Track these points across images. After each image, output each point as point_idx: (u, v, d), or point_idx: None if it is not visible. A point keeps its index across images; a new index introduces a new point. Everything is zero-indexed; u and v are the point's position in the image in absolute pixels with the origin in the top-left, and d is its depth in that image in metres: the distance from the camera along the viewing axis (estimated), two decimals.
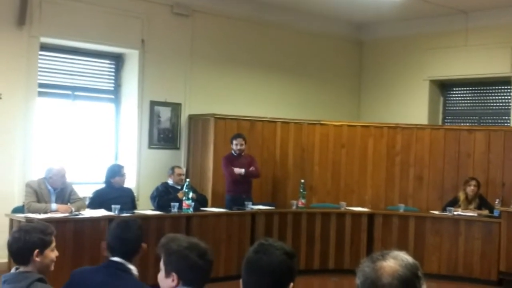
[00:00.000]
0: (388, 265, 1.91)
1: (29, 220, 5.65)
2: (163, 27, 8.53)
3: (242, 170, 7.76)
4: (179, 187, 7.40)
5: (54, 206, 6.38)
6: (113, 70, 8.52)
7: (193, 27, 8.80)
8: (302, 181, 8.11)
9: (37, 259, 3.07)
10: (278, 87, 9.71)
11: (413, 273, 1.91)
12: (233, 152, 7.88)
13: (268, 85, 9.60)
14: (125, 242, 3.35)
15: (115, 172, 7.18)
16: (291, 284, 2.28)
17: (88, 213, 6.54)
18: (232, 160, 7.85)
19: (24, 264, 3.08)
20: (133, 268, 3.32)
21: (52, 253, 3.17)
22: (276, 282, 2.26)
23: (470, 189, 8.12)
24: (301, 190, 8.05)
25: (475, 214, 7.94)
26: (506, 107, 9.23)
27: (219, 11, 9.02)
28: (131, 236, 3.38)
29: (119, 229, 3.41)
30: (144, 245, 3.40)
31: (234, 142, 7.84)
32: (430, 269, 7.84)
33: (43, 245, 3.13)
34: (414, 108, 9.93)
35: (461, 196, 8.19)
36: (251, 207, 7.67)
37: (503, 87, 9.36)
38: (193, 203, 7.12)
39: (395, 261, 1.92)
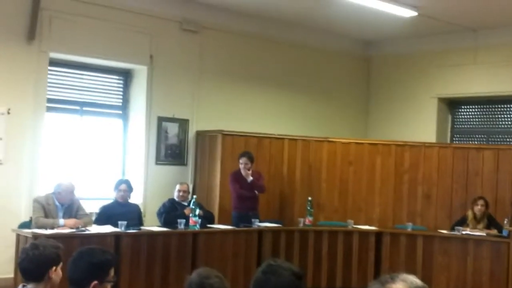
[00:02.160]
0: (396, 287, 1.88)
1: (35, 236, 5.65)
2: (172, 43, 8.56)
3: (250, 178, 7.73)
4: (186, 204, 7.38)
5: (61, 221, 6.38)
6: (121, 85, 8.54)
7: (201, 43, 8.83)
8: (309, 198, 8.08)
9: (53, 276, 3.01)
10: (286, 104, 9.71)
11: None
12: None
13: (276, 101, 9.60)
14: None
15: (115, 187, 7.20)
16: None
17: (94, 229, 6.52)
18: (239, 176, 7.83)
19: (37, 280, 3.02)
20: None
21: (60, 271, 3.14)
22: None
23: (478, 208, 8.07)
24: (308, 208, 8.01)
25: (484, 234, 7.88)
26: None
27: (228, 28, 9.05)
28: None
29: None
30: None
31: (240, 161, 7.82)
32: None
33: (58, 261, 3.08)
34: (422, 126, 9.91)
35: (470, 215, 8.14)
36: (258, 224, 7.64)
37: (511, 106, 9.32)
38: (200, 220, 7.10)
39: (404, 283, 1.93)
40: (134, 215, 7.18)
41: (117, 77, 8.52)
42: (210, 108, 8.86)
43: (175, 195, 7.55)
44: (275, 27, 9.43)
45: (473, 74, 9.47)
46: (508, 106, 9.46)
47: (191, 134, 8.66)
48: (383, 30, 9.70)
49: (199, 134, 8.65)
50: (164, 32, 8.48)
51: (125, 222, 6.60)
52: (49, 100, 7.69)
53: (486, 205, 8.10)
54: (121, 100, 8.53)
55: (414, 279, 1.96)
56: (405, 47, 10.21)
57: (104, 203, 7.25)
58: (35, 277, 3.01)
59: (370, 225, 8.42)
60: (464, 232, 7.91)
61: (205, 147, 8.55)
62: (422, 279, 6.69)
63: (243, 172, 7.76)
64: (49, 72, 7.65)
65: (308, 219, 7.98)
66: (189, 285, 2.54)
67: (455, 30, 9.36)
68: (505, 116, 9.61)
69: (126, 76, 8.53)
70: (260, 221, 7.74)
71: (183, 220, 7.01)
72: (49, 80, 7.67)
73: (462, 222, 8.13)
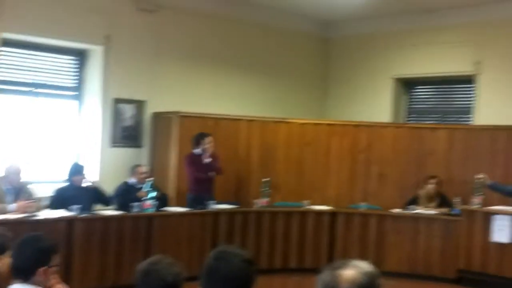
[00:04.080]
0: (348, 273, 1.96)
1: None
2: (128, 22, 8.45)
3: (209, 159, 7.76)
4: (140, 186, 7.37)
5: (12, 206, 6.29)
6: (76, 66, 8.42)
7: (158, 23, 8.73)
8: (266, 179, 8.13)
9: None
10: (244, 85, 9.70)
11: (372, 281, 1.96)
12: (197, 151, 7.85)
13: (233, 82, 9.58)
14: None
15: (74, 170, 7.15)
16: None
17: (46, 214, 6.47)
18: (195, 159, 7.84)
19: None
20: None
21: (7, 260, 3.02)
22: None
23: (431, 187, 8.24)
24: (265, 189, 8.07)
25: (436, 212, 8.05)
26: (469, 106, 9.33)
27: (186, 7, 8.97)
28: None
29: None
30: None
31: (206, 140, 7.79)
32: (391, 268, 7.95)
33: (3, 250, 2.98)
34: (379, 106, 10.00)
35: (422, 194, 8.31)
36: (213, 206, 7.67)
37: (466, 86, 9.45)
38: (155, 203, 7.10)
39: (355, 269, 1.98)
40: (89, 199, 7.16)
41: (71, 58, 8.39)
42: (167, 89, 8.80)
43: (135, 178, 7.53)
44: (233, 7, 9.37)
45: (429, 55, 9.55)
46: (462, 86, 9.59)
47: (148, 115, 8.61)
48: (342, 11, 9.71)
49: (156, 116, 8.61)
50: (120, 11, 8.36)
51: (78, 206, 6.58)
52: (1, 82, 7.55)
53: (439, 183, 8.27)
54: (76, 81, 8.42)
55: (365, 265, 2.01)
56: (363, 28, 10.24)
57: (58, 186, 7.20)
58: None
59: (326, 205, 8.51)
60: (416, 211, 8.08)
61: (161, 128, 8.52)
62: (375, 258, 6.92)
63: (209, 151, 7.77)
64: (0, 53, 7.50)
65: (264, 200, 8.05)
66: (137, 272, 2.56)
67: (411, 11, 9.42)
68: (459, 96, 9.75)
69: (81, 56, 8.41)
70: (216, 203, 7.78)
71: (138, 203, 7.01)
72: (0, 61, 7.52)
73: (415, 201, 8.30)
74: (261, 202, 8.03)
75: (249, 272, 2.34)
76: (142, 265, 2.56)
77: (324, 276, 1.97)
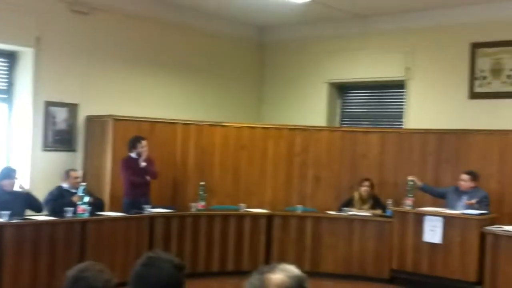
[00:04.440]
0: (275, 277, 1.97)
1: None
2: (60, 24, 8.26)
3: (144, 163, 7.66)
4: (74, 191, 7.21)
5: None
6: (5, 68, 8.16)
7: (92, 25, 8.58)
8: (202, 183, 8.11)
9: None
10: (180, 89, 9.65)
11: (299, 285, 1.99)
12: (133, 154, 7.74)
13: (169, 86, 9.51)
14: None
15: (4, 174, 6.93)
16: None
17: None
18: (131, 163, 7.73)
19: None
20: None
21: None
22: None
23: (364, 189, 8.43)
24: (201, 193, 8.05)
25: (369, 214, 8.22)
26: (401, 110, 9.58)
27: (120, 9, 8.85)
28: None
29: None
30: None
31: (142, 143, 7.69)
32: (326, 269, 8.09)
33: None
34: (313, 110, 10.14)
35: (356, 196, 8.48)
36: (150, 210, 7.58)
37: (397, 90, 9.70)
38: (89, 208, 6.96)
39: (283, 273, 1.99)
40: (21, 204, 6.95)
41: (1, 60, 8.14)
42: (101, 93, 8.64)
43: (68, 182, 7.36)
44: (168, 10, 9.31)
45: (362, 60, 9.76)
46: (395, 91, 9.83)
47: (81, 119, 8.43)
48: (276, 16, 9.80)
49: (89, 119, 8.44)
50: (52, 13, 8.16)
51: (8, 212, 6.37)
52: None
53: (372, 186, 8.47)
54: (5, 84, 8.16)
55: (293, 269, 2.03)
56: (298, 33, 10.37)
57: None
58: None
59: (262, 208, 8.56)
60: (350, 213, 8.23)
61: (95, 132, 8.35)
62: (311, 260, 6.99)
63: (144, 155, 7.67)
64: None
65: (201, 204, 8.02)
66: (66, 279, 2.49)
67: (345, 17, 9.60)
68: (392, 100, 10.00)
69: (11, 58, 8.16)
70: (152, 207, 7.69)
71: (71, 208, 6.85)
72: None
73: (349, 203, 8.46)
74: (197, 206, 7.99)
75: (179, 278, 2.31)
76: (71, 272, 2.48)
77: (253, 280, 2.00)
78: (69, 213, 6.82)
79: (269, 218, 8.33)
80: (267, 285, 1.95)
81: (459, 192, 7.78)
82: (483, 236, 7.20)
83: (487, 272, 7.12)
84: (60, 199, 7.15)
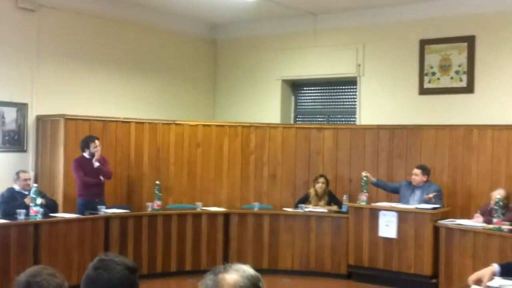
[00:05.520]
0: (229, 277, 1.97)
1: None
2: (6, 22, 8.02)
3: (97, 164, 7.52)
4: (26, 193, 7.02)
5: None
6: None
7: (39, 22, 8.35)
8: (157, 182, 8.02)
9: None
10: (132, 87, 9.50)
11: (253, 284, 1.99)
12: (86, 154, 7.59)
13: (122, 84, 9.36)
14: None
15: None
16: None
17: None
18: (83, 163, 7.57)
19: None
20: None
21: None
22: None
23: (319, 186, 8.50)
24: (156, 192, 7.95)
25: (325, 210, 8.29)
26: (354, 106, 9.69)
27: (68, 6, 8.64)
28: None
29: None
30: None
31: (95, 143, 7.55)
32: (284, 266, 8.12)
33: None
34: (267, 107, 10.16)
35: (312, 192, 8.54)
36: (105, 211, 7.45)
37: (350, 87, 9.81)
38: (42, 209, 6.79)
39: (237, 273, 1.99)
40: None
41: None
42: (51, 92, 8.43)
43: (18, 184, 7.16)
44: (119, 7, 9.16)
45: (314, 57, 9.82)
46: (347, 87, 9.94)
47: (31, 119, 8.21)
48: (229, 13, 9.77)
49: (40, 119, 8.22)
50: None
51: None
52: None
53: (327, 182, 8.54)
54: None
55: (247, 268, 2.03)
56: (250, 30, 10.37)
57: None
58: None
59: (218, 206, 8.54)
60: (307, 209, 8.28)
61: (46, 132, 8.15)
62: (269, 257, 7.00)
63: (97, 155, 7.52)
64: None
65: (157, 203, 7.92)
66: (17, 285, 2.40)
67: (296, 14, 9.64)
68: (344, 97, 10.10)
69: None
70: (107, 208, 7.56)
71: (23, 211, 6.67)
72: None
73: (305, 200, 8.51)
74: (153, 205, 7.90)
75: (132, 280, 2.27)
76: (21, 277, 2.40)
77: (207, 280, 1.99)
78: (21, 215, 6.64)
79: (226, 216, 8.31)
80: (221, 286, 1.95)
81: (412, 187, 7.93)
82: (436, 229, 7.36)
83: (441, 265, 7.28)
84: (11, 202, 6.97)
